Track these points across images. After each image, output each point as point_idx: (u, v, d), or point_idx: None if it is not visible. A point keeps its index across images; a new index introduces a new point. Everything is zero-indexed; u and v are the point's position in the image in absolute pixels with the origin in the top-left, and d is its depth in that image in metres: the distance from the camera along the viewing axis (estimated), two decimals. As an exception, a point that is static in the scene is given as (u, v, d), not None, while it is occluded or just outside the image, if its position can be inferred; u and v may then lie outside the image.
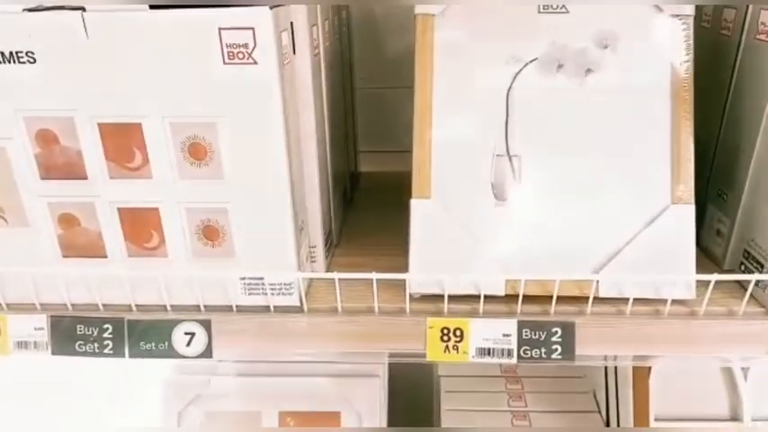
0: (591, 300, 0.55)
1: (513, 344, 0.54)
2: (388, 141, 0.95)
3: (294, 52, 0.54)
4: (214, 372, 0.97)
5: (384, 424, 0.93)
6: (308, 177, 0.59)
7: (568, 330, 0.54)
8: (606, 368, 0.99)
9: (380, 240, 0.70)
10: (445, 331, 0.54)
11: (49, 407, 1.78)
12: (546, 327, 0.54)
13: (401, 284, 0.57)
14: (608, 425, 0.99)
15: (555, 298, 0.54)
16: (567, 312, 0.55)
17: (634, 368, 0.87)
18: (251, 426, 0.95)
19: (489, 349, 0.54)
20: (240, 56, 0.47)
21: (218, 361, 1.00)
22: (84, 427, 1.42)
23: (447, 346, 0.55)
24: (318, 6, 0.59)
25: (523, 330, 0.54)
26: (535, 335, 0.54)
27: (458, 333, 0.54)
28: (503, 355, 0.54)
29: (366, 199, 0.88)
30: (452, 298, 0.56)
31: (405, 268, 0.56)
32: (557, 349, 0.54)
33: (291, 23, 0.53)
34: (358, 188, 0.93)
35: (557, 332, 0.54)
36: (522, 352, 0.54)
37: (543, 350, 0.54)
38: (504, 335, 0.54)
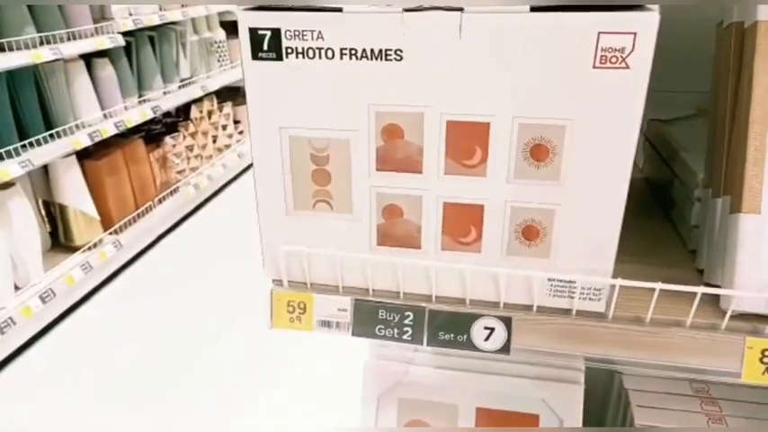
0: None
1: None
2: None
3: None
4: (412, 361, 0.99)
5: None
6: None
7: None
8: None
9: (646, 247, 0.69)
10: (766, 353, 0.53)
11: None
12: None
13: (710, 299, 0.56)
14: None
15: None
16: None
17: None
18: (445, 417, 0.96)
19: (816, 376, 0.52)
20: (613, 60, 0.47)
21: (414, 351, 1.02)
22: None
23: (767, 369, 0.53)
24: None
25: None
26: None
27: (781, 357, 0.52)
28: (831, 383, 0.52)
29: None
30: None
31: (684, 280, 0.55)
32: None
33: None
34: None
35: None
36: None
37: None
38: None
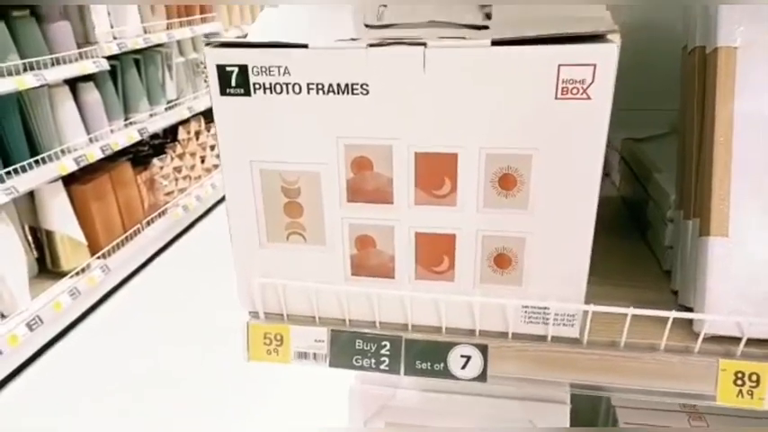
0: None
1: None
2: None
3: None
4: (398, 384, 0.98)
5: (566, 451, 0.92)
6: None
7: None
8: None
9: (621, 268, 0.70)
10: (739, 375, 0.53)
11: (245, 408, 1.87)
12: None
13: (684, 321, 0.56)
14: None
15: None
16: None
17: None
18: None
19: (788, 397, 0.52)
20: (574, 91, 0.48)
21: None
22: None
23: (741, 391, 0.53)
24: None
25: (828, 380, 0.51)
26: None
27: (753, 378, 0.53)
28: (803, 403, 0.52)
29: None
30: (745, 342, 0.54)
31: (660, 302, 0.55)
32: None
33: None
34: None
35: None
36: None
37: None
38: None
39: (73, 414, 1.93)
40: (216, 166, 3.73)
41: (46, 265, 2.45)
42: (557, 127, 0.49)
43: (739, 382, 0.53)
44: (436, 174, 0.53)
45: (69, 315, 2.39)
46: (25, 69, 2.22)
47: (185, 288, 2.69)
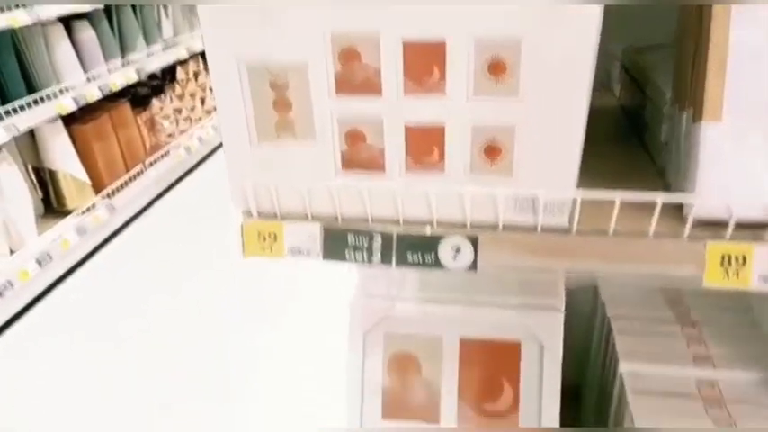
0: None
1: (799, 272, 0.53)
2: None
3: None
4: (398, 296, 1.01)
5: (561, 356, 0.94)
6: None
7: None
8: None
9: (617, 170, 0.69)
10: (726, 257, 0.54)
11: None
12: (839, 257, 0.52)
13: (674, 210, 0.56)
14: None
15: None
16: None
17: None
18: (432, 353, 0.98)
19: (774, 277, 0.53)
20: (564, -33, 0.46)
21: (399, 287, 1.04)
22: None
23: (727, 272, 0.54)
24: None
25: (813, 259, 0.52)
26: (826, 264, 0.52)
27: (740, 259, 0.53)
28: (788, 283, 0.53)
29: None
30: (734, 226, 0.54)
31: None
32: None
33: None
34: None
35: None
36: (808, 281, 0.53)
37: (834, 280, 0.52)
38: (792, 263, 0.52)
39: (82, 348, 1.99)
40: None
41: (51, 204, 2.48)
42: (546, 10, 0.48)
43: (726, 263, 0.54)
44: (425, 63, 0.52)
45: (77, 253, 2.44)
46: (17, 7, 2.17)
47: (191, 227, 2.72)
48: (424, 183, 0.58)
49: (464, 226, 0.60)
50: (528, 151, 0.55)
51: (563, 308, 0.95)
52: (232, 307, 2.13)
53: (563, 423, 1.17)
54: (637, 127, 0.85)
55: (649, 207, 0.55)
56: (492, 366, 0.97)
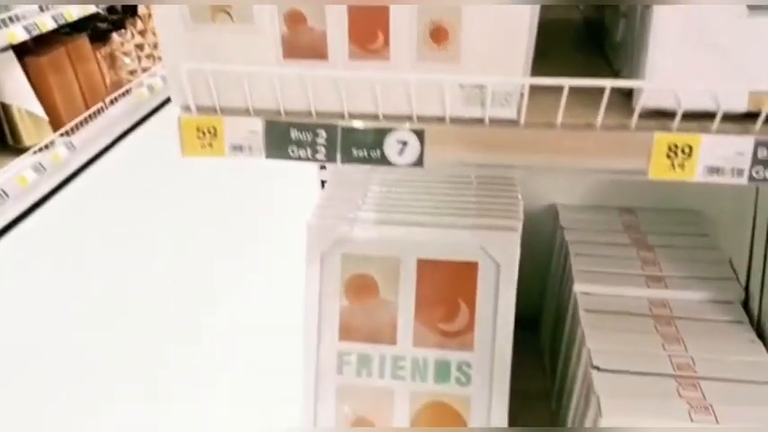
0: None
1: (745, 163, 0.52)
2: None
3: None
4: (356, 219, 0.99)
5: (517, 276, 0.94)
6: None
7: (809, 151, 0.51)
8: (753, 229, 0.96)
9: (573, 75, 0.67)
10: (673, 148, 0.53)
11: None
12: (784, 146, 0.51)
13: (624, 102, 0.55)
14: (747, 291, 0.98)
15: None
16: (811, 132, 0.52)
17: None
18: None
19: (719, 168, 0.53)
20: None
21: (357, 210, 1.03)
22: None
23: (673, 164, 0.53)
24: None
25: (759, 149, 0.52)
26: (772, 154, 0.51)
27: (686, 150, 0.53)
28: (733, 174, 0.52)
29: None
30: (682, 116, 0.53)
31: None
32: (793, 170, 0.52)
33: None
34: None
35: (795, 152, 0.51)
36: (754, 172, 0.52)
37: (778, 171, 0.52)
38: (738, 153, 0.52)
39: (41, 287, 1.96)
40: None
41: (6, 140, 2.38)
42: None
43: (672, 154, 0.53)
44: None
45: (36, 191, 2.36)
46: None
47: (155, 169, 2.65)
48: (368, 71, 0.55)
49: (410, 119, 0.57)
50: (476, 35, 0.52)
51: (519, 228, 0.95)
52: (195, 247, 2.10)
53: (522, 350, 1.19)
54: (598, 37, 0.83)
55: (599, 101, 0.53)
56: (449, 287, 0.97)
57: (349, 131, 0.57)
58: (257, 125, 0.58)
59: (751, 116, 0.52)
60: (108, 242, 2.15)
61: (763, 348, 0.88)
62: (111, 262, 2.04)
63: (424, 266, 0.97)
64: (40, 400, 1.47)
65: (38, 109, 2.36)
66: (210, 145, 0.60)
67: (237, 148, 0.59)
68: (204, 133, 0.59)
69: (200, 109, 0.60)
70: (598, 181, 1.20)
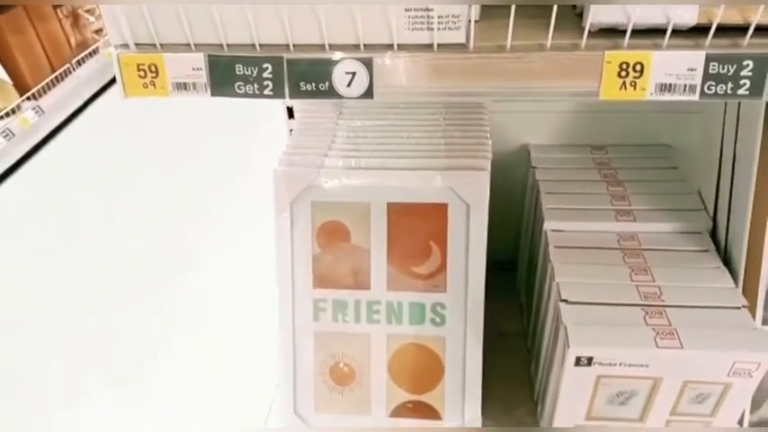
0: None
1: (697, 79, 0.51)
2: None
3: None
4: (324, 165, 0.98)
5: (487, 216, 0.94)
6: None
7: (760, 63, 0.50)
8: (720, 160, 0.96)
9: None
10: (624, 66, 0.52)
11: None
12: (736, 60, 0.50)
13: (576, 24, 0.53)
14: (715, 222, 0.98)
15: (752, 27, 0.50)
16: (764, 44, 0.51)
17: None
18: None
19: (671, 85, 0.52)
20: None
21: (325, 156, 1.01)
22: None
23: (624, 83, 0.52)
24: None
25: (711, 64, 0.51)
26: (723, 68, 0.50)
27: (637, 68, 0.51)
28: (685, 91, 0.51)
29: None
30: (632, 33, 0.52)
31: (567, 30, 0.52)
32: (745, 84, 0.51)
33: None
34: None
35: (747, 65, 0.50)
36: (706, 88, 0.51)
37: (730, 85, 0.51)
38: (690, 69, 0.51)
39: (16, 253, 1.94)
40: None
41: (-29, 107, 2.32)
42: None
43: (623, 73, 0.52)
44: None
45: (5, 159, 2.31)
46: None
47: (127, 131, 2.60)
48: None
49: (358, 47, 0.56)
50: (418, -46, 0.50)
51: (488, 167, 0.94)
52: (170, 206, 2.08)
53: (498, 292, 1.20)
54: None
55: (548, 24, 0.52)
56: (420, 230, 0.97)
57: (295, 64, 0.56)
58: (200, 61, 0.56)
59: (701, 30, 0.51)
60: (80, 209, 2.13)
61: (729, 275, 0.90)
62: (83, 232, 2.01)
63: (395, 210, 0.97)
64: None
65: (0, 71, 2.29)
66: (153, 84, 0.58)
67: (181, 87, 0.57)
68: (145, 72, 0.57)
69: (140, 47, 0.58)
70: (569, 119, 1.19)
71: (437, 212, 0.96)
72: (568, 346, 0.80)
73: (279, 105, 1.16)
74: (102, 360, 1.49)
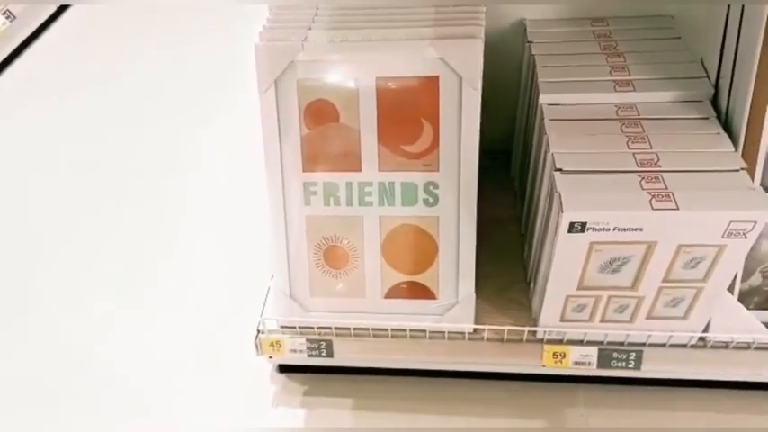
0: None
1: None
2: None
3: None
4: (307, 39, 0.93)
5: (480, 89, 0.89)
6: None
7: None
8: (726, 29, 0.92)
9: None
10: None
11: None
12: None
13: None
14: (716, 89, 0.95)
15: None
16: None
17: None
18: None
19: None
20: None
21: (308, 29, 0.96)
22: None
23: None
24: None
25: None
26: None
27: None
28: None
29: None
30: None
31: None
32: None
33: None
34: None
35: None
36: None
37: None
38: None
39: None
40: None
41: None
42: None
43: None
44: None
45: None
46: None
47: (109, 40, 2.48)
48: None
49: None
50: None
51: (482, 35, 0.89)
52: (157, 114, 2.02)
53: (493, 180, 1.18)
54: None
55: None
56: (411, 106, 0.93)
57: None
58: None
59: None
60: (66, 124, 2.06)
61: (728, 140, 0.87)
62: (64, 150, 1.95)
63: (384, 85, 0.93)
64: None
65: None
66: None
67: None
68: None
69: None
70: (568, -9, 1.12)
71: (428, 86, 0.92)
72: (562, 212, 0.78)
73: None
74: (102, 256, 1.49)
